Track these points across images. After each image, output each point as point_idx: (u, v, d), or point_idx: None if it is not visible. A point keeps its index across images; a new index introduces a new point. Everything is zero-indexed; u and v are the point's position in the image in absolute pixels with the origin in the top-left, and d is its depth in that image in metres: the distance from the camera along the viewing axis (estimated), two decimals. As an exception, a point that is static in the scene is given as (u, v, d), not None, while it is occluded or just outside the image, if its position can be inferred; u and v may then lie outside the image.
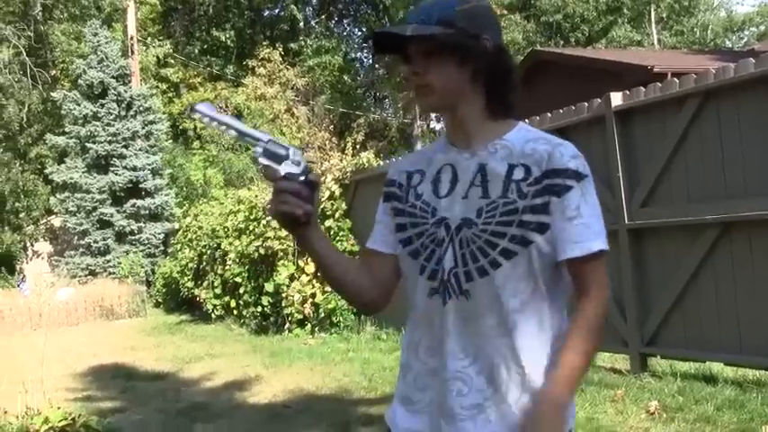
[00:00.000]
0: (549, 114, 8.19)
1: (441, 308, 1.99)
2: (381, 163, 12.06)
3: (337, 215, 12.15)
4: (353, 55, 46.18)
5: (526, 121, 8.23)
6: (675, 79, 6.82)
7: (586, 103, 7.70)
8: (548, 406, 1.82)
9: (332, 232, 12.10)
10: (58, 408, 6.47)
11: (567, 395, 1.84)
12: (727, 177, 6.31)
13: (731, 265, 6.35)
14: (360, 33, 47.74)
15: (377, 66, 45.82)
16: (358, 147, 20.33)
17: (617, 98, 7.27)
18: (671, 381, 6.56)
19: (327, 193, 12.18)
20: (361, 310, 1.97)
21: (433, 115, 44.72)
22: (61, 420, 6.20)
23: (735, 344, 6.34)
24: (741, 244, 6.27)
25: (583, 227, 1.90)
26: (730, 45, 44.17)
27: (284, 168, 1.90)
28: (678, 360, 6.99)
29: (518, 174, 1.95)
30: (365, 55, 48.58)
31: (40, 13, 33.07)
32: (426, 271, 2.02)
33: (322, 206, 12.19)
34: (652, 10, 38.90)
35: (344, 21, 47.98)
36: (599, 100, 7.51)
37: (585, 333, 1.88)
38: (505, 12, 38.91)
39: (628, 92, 7.26)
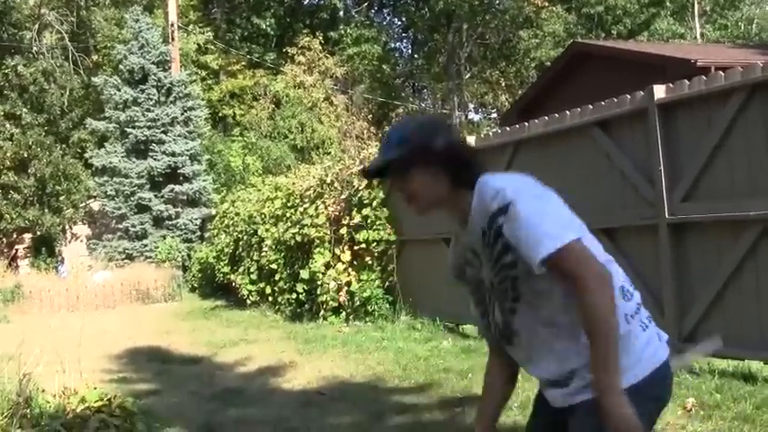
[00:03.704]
0: (591, 106, 8.10)
1: (509, 347, 2.60)
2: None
3: (375, 204, 12.11)
4: (393, 45, 46.12)
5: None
6: (721, 72, 6.72)
7: (629, 96, 7.61)
8: (603, 400, 2.22)
9: (369, 221, 12.08)
10: (95, 388, 6.53)
11: (607, 382, 2.22)
12: (771, 173, 6.20)
13: (774, 262, 6.24)
14: (400, 23, 47.66)
15: (416, 56, 45.75)
16: (396, 136, 20.27)
17: (660, 91, 7.17)
18: (708, 378, 6.47)
19: (365, 182, 12.16)
20: None
21: (471, 106, 44.67)
22: (97, 401, 6.25)
23: (775, 342, 6.24)
24: (784, 241, 6.17)
25: (529, 245, 2.24)
26: (775, 40, 43.48)
27: None
28: (716, 357, 6.88)
29: (485, 237, 2.42)
30: (404, 45, 48.56)
31: (82, -1, 33.39)
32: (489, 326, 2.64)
33: (359, 195, 12.19)
34: (695, 3, 38.36)
35: (384, 10, 47.94)
36: (641, 92, 7.41)
37: (591, 325, 2.22)
38: (546, 3, 38.65)
39: (671, 85, 7.16)
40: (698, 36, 37.39)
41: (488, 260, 2.44)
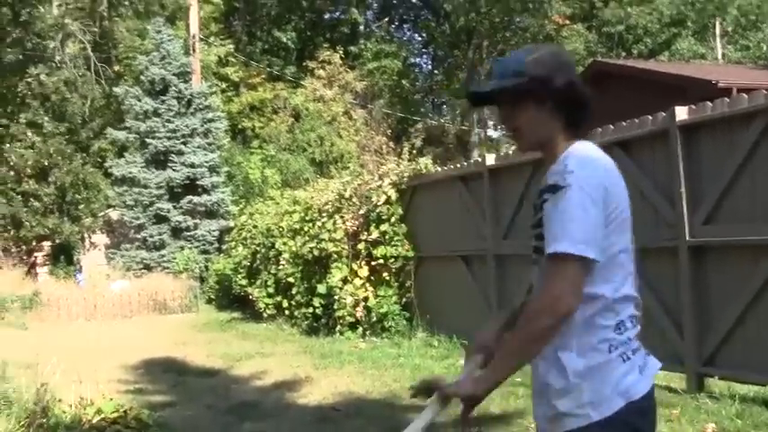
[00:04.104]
0: (612, 127, 8.07)
1: None
2: (439, 169, 12.02)
3: (393, 220, 12.12)
4: (413, 60, 46.15)
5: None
6: (744, 95, 6.68)
7: (650, 117, 7.58)
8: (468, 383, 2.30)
9: (387, 236, 12.08)
10: (111, 399, 6.55)
11: (471, 387, 2.26)
12: (794, 197, 6.16)
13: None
14: (420, 39, 47.74)
15: (436, 72, 45.81)
16: (415, 152, 20.24)
17: (682, 112, 7.14)
18: (729, 403, 6.41)
19: (384, 198, 12.16)
20: None
21: (490, 123, 44.65)
22: (113, 412, 6.27)
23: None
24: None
25: (550, 233, 2.21)
26: (797, 62, 43.22)
27: None
28: (737, 382, 6.83)
29: (539, 192, 2.36)
30: (424, 60, 48.63)
31: (105, 10, 33.60)
32: None
33: (378, 210, 12.18)
34: (717, 23, 38.26)
35: (405, 26, 48.04)
36: (663, 114, 7.38)
37: (514, 335, 2.27)
38: (567, 21, 38.63)
39: (693, 106, 7.13)
40: (719, 57, 37.26)
41: (532, 216, 2.40)
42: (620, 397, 2.21)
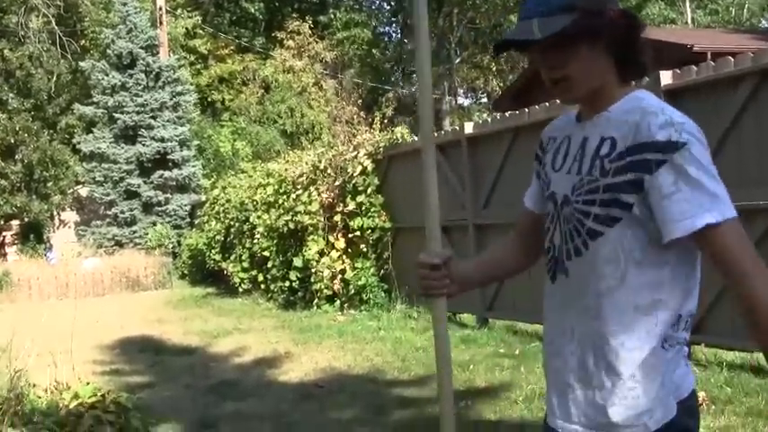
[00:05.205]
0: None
1: (551, 285, 2.00)
2: (415, 138, 11.84)
3: (369, 191, 11.95)
4: (382, 29, 45.83)
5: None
6: (730, 58, 6.55)
7: (633, 82, 7.43)
8: None
9: (363, 208, 11.92)
10: (88, 383, 6.35)
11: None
12: (782, 161, 6.06)
13: (784, 253, 6.10)
14: (389, 8, 47.37)
15: (406, 41, 45.54)
16: (386, 121, 20.04)
17: (667, 77, 7.00)
18: (716, 371, 6.36)
19: (359, 168, 11.99)
20: None
21: (461, 91, 44.48)
22: (91, 396, 6.07)
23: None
24: (796, 230, 6.03)
25: (684, 202, 1.74)
26: (767, 24, 43.35)
27: None
28: (723, 349, 6.76)
29: (605, 148, 1.86)
30: (394, 29, 48.28)
31: (69, -18, 32.96)
32: (545, 246, 2.04)
33: (354, 181, 12.02)
34: (687, -12, 38.26)
35: (374, -6, 47.55)
36: (647, 78, 7.23)
37: (755, 315, 1.78)
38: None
39: (678, 70, 6.99)
40: (689, 21, 37.27)
41: (584, 179, 1.88)
42: (672, 396, 1.84)
